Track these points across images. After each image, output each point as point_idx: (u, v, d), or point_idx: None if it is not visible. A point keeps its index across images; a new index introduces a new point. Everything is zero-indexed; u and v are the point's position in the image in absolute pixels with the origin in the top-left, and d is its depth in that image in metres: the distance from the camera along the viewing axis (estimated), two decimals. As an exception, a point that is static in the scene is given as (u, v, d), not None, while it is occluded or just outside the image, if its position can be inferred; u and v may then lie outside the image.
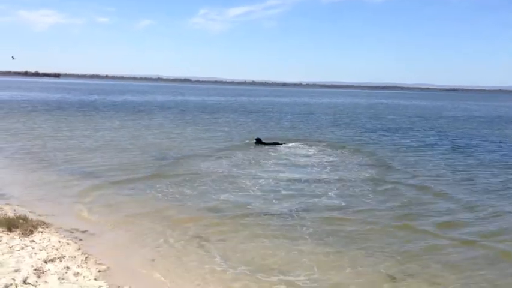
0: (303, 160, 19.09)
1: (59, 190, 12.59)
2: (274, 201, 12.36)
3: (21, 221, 8.93)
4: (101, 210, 10.87)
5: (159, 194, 12.54)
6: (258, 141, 23.29)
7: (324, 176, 16.02)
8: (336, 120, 42.00)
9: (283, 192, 13.49)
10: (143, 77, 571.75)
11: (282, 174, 15.84)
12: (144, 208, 11.19)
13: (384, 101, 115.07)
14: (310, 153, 21.23)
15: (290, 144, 23.52)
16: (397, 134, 31.00)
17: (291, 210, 11.50)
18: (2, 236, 8.22)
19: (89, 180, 13.88)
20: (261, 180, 14.76)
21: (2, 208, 9.87)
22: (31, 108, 43.23)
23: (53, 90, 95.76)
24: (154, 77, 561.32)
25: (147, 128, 29.26)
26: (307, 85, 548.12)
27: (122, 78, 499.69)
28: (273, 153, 20.40)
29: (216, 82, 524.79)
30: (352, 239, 9.64)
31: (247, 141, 24.14)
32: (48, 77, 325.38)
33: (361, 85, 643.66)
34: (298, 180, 14.98)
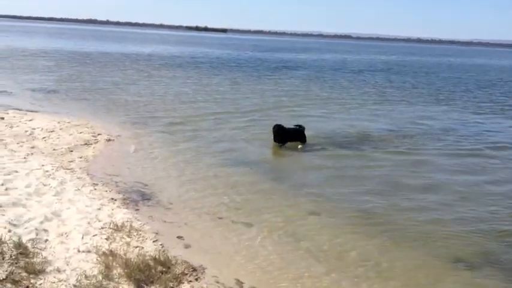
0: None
1: (227, 198, 8.20)
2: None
3: (159, 268, 5.44)
4: (285, 249, 6.52)
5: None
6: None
7: None
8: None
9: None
10: (304, 33, 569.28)
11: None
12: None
13: None
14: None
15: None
16: None
17: None
18: (125, 306, 4.77)
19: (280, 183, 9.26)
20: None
21: (139, 232, 6.26)
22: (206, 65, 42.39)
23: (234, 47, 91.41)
24: (315, 33, 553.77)
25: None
26: (480, 43, 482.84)
27: (283, 34, 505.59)
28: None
29: (377, 39, 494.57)
30: None
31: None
32: (216, 32, 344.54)
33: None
34: None
